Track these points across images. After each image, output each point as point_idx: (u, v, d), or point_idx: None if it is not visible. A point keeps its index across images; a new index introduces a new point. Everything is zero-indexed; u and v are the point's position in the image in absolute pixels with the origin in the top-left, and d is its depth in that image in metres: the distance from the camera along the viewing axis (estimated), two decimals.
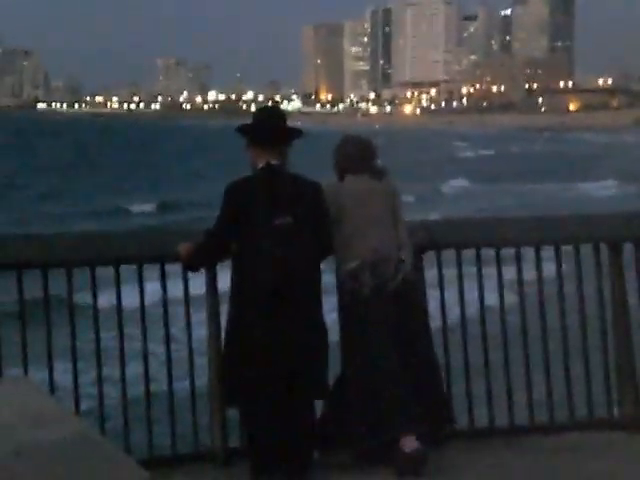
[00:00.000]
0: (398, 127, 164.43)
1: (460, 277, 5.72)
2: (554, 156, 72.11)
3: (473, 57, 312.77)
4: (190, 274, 5.23)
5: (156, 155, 73.64)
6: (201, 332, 5.38)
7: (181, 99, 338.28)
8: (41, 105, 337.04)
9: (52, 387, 5.12)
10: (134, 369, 5.35)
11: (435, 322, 5.55)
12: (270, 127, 4.85)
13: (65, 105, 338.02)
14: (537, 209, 25.77)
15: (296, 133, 4.95)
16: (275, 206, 4.68)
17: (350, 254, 5.04)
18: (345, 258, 5.06)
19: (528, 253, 5.86)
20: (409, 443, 4.84)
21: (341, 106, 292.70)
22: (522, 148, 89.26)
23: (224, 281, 5.10)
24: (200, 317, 5.40)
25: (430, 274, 5.62)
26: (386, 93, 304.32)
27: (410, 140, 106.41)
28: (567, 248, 5.87)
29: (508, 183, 46.21)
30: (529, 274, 5.81)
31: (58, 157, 69.55)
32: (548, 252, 5.85)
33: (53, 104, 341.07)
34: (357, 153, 5.23)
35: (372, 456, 5.05)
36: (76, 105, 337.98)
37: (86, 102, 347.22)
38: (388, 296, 5.03)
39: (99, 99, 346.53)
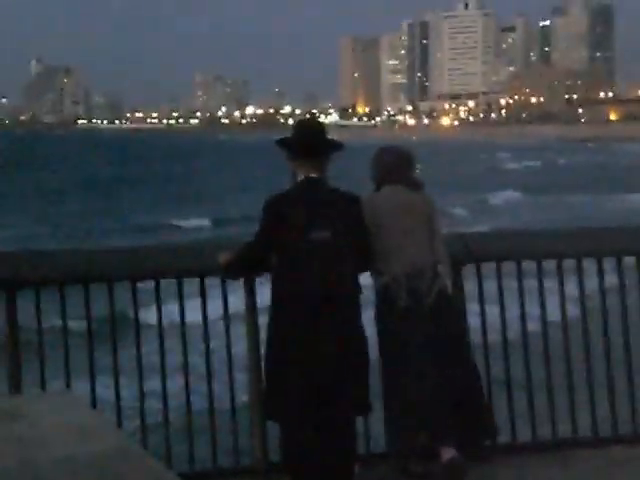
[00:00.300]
0: (437, 139, 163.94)
1: (500, 290, 5.67)
2: (600, 167, 71.34)
3: (511, 68, 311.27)
4: (229, 285, 5.24)
5: (198, 170, 74.09)
6: (241, 347, 5.39)
7: (219, 114, 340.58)
8: (81, 121, 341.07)
9: (94, 401, 5.15)
10: (175, 383, 5.37)
11: (477, 335, 5.51)
12: (310, 140, 4.85)
13: (105, 121, 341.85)
14: (590, 221, 25.31)
15: (336, 146, 4.94)
16: (313, 220, 4.68)
17: (386, 267, 5.01)
18: (381, 271, 5.03)
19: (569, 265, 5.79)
20: (446, 454, 4.81)
21: (378, 119, 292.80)
22: (567, 159, 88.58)
23: (262, 297, 5.10)
24: (240, 331, 5.41)
25: (471, 287, 5.59)
26: (424, 105, 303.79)
27: (452, 152, 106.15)
28: (610, 260, 5.80)
29: (558, 195, 45.53)
30: (570, 287, 5.75)
31: (101, 172, 70.20)
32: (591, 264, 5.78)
33: (93, 120, 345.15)
34: (394, 163, 5.20)
35: (414, 470, 5.02)
36: (116, 121, 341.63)
37: (126, 118, 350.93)
38: (424, 310, 4.99)
39: (139, 115, 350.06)
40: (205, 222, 36.29)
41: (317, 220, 4.68)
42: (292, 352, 4.67)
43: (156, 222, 36.18)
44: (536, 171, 71.63)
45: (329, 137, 4.93)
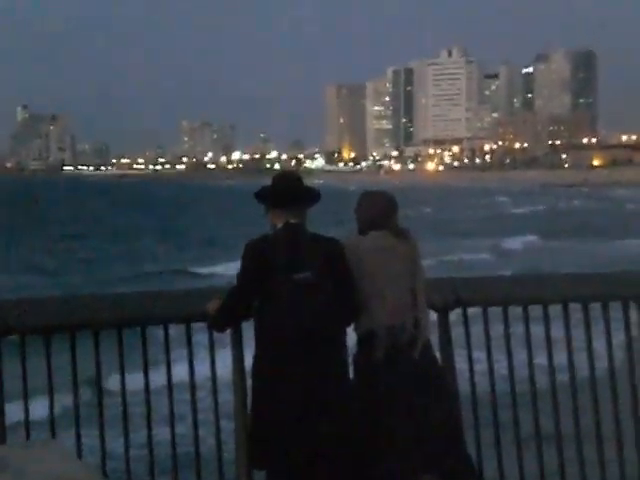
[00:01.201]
0: (425, 184, 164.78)
1: (487, 335, 5.67)
2: (600, 212, 71.86)
3: (495, 115, 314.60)
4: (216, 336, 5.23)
5: (194, 216, 73.93)
6: (228, 396, 5.36)
7: (206, 159, 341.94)
8: (67, 168, 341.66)
9: (80, 451, 5.10)
10: (161, 432, 5.32)
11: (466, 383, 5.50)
12: (288, 190, 4.90)
13: (91, 167, 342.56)
14: (613, 265, 24.97)
15: (315, 195, 4.97)
16: (295, 261, 4.70)
17: (368, 316, 4.98)
18: (361, 321, 5.00)
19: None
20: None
21: (364, 164, 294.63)
22: (567, 204, 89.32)
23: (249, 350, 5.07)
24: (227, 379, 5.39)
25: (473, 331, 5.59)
26: (408, 151, 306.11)
27: (449, 196, 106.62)
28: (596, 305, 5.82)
29: (572, 240, 45.63)
30: (558, 331, 5.76)
31: (105, 220, 69.71)
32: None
33: (79, 167, 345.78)
34: (379, 208, 5.19)
35: None
36: (102, 167, 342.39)
37: (112, 164, 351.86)
38: (403, 361, 4.96)
39: (125, 161, 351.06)
40: (221, 269, 34.26)
41: (299, 261, 4.70)
42: (277, 392, 4.65)
43: (171, 268, 35.76)
44: (541, 215, 72.01)
45: (307, 187, 4.97)
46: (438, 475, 4.90)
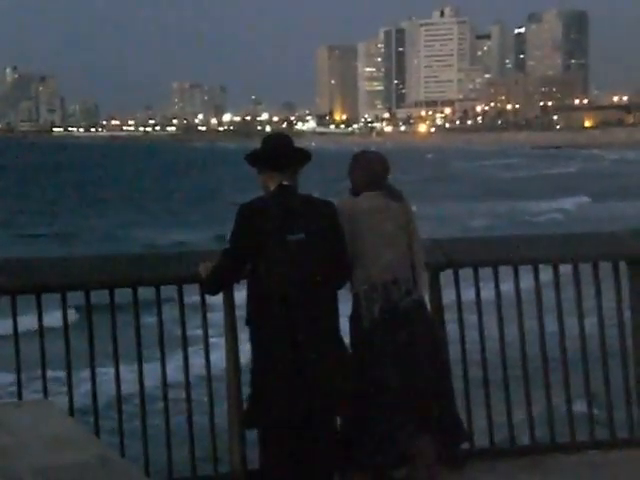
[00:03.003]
0: (416, 145, 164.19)
1: (478, 296, 5.70)
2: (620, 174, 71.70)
3: (487, 76, 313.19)
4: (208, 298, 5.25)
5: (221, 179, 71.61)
6: (220, 355, 5.40)
7: (196, 121, 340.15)
8: (57, 129, 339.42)
9: (72, 410, 5.13)
10: (153, 392, 5.35)
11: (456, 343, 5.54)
12: (278, 151, 4.88)
13: (82, 129, 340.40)
14: None
15: (305, 156, 4.96)
16: (289, 223, 4.70)
17: (363, 275, 5.01)
18: (357, 279, 5.04)
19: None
20: (419, 448, 4.84)
21: (355, 126, 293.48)
22: (596, 165, 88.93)
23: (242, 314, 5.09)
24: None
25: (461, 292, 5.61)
26: (400, 112, 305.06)
27: (467, 157, 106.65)
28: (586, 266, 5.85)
29: (624, 200, 45.32)
30: (548, 289, 5.79)
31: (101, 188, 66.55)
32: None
33: (69, 128, 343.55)
34: (373, 169, 5.18)
35: (389, 477, 5.02)
36: (92, 129, 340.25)
37: (102, 126, 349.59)
38: (398, 318, 4.99)
39: (115, 123, 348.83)
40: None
41: (292, 224, 4.70)
42: (276, 352, 4.67)
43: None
44: (575, 176, 71.93)
45: (297, 147, 4.95)
46: (431, 438, 4.94)
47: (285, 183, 4.82)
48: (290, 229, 4.67)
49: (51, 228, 40.39)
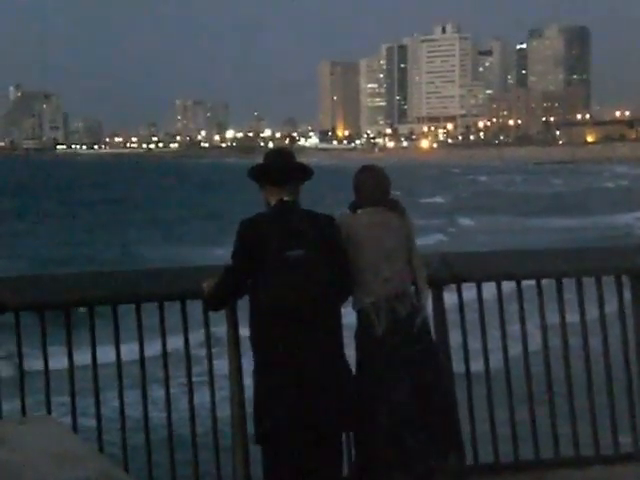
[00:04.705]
0: (420, 160, 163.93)
1: (481, 311, 5.70)
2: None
3: (489, 91, 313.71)
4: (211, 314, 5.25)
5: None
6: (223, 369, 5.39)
7: (199, 138, 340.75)
8: (61, 147, 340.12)
9: (75, 427, 5.12)
10: (157, 407, 5.34)
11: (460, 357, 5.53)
12: (280, 166, 4.89)
13: (84, 146, 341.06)
14: None
15: (307, 171, 4.96)
16: (289, 239, 4.70)
17: (364, 290, 5.00)
18: (360, 294, 5.03)
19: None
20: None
21: (358, 142, 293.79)
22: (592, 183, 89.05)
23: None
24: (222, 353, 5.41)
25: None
26: (402, 128, 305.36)
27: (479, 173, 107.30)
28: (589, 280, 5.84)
29: None
30: (551, 304, 5.79)
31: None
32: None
33: (73, 145, 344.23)
34: (374, 184, 5.18)
35: None
36: (95, 146, 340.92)
37: (105, 143, 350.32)
38: (403, 332, 4.97)
39: (118, 140, 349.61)
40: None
41: (292, 239, 4.70)
42: (276, 369, 4.66)
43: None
44: (618, 191, 71.52)
45: (298, 162, 4.96)
46: (446, 453, 4.93)
47: (286, 198, 4.82)
48: (289, 245, 4.67)
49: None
